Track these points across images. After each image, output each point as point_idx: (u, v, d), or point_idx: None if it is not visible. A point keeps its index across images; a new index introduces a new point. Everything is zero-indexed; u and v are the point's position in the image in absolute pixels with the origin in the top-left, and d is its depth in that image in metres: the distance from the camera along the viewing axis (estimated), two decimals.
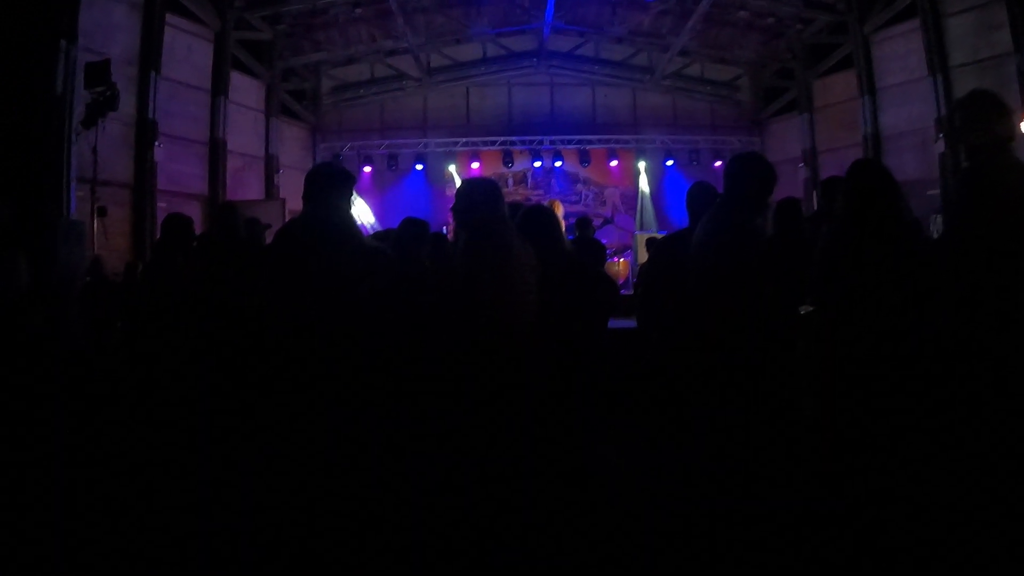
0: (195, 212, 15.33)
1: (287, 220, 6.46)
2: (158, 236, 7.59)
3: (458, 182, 19.67)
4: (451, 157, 20.96)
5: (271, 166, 18.51)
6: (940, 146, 14.54)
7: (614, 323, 6.35)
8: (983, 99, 4.03)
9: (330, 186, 4.41)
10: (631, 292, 13.46)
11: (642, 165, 21.24)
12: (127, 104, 13.05)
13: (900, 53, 16.24)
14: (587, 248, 7.73)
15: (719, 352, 4.17)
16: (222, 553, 3.98)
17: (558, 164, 21.22)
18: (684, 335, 4.53)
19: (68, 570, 3.90)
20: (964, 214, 3.98)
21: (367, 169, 20.50)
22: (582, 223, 9.04)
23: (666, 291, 4.79)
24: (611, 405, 5.60)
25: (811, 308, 4.78)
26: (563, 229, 5.27)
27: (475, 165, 20.79)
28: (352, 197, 4.61)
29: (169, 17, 14.80)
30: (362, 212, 18.34)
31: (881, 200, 4.13)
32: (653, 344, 5.40)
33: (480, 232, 4.21)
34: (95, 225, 12.07)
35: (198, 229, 7.06)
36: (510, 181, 21.38)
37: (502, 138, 21.09)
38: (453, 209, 4.52)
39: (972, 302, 3.75)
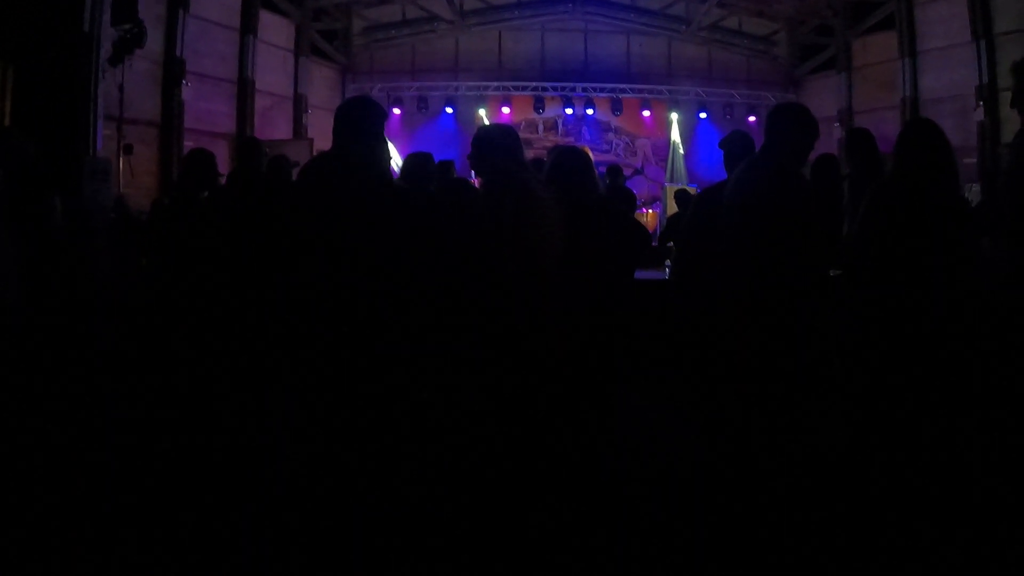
0: (222, 151, 15.29)
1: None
2: (180, 173, 7.62)
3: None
4: (482, 101, 20.72)
5: (300, 106, 18.37)
6: (979, 114, 14.23)
7: (641, 274, 6.29)
8: None
9: (361, 120, 4.29)
10: (657, 244, 13.37)
11: (675, 117, 20.95)
12: (155, 42, 12.98)
13: (943, 16, 15.79)
14: (618, 196, 7.64)
15: (757, 311, 4.08)
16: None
17: (590, 112, 20.97)
18: (723, 289, 4.41)
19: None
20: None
21: (396, 111, 20.29)
22: (613, 171, 8.96)
23: (708, 243, 4.64)
24: (640, 356, 5.55)
25: (839, 272, 4.71)
26: (596, 173, 5.17)
27: (505, 110, 20.56)
28: (382, 132, 4.49)
29: None
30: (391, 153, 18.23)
31: (938, 169, 4.06)
32: (691, 297, 5.27)
33: (498, 176, 4.17)
34: (121, 163, 12.08)
35: (225, 168, 7.07)
36: (540, 127, 21.19)
37: (534, 83, 20.80)
38: (470, 156, 4.46)
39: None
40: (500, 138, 4.44)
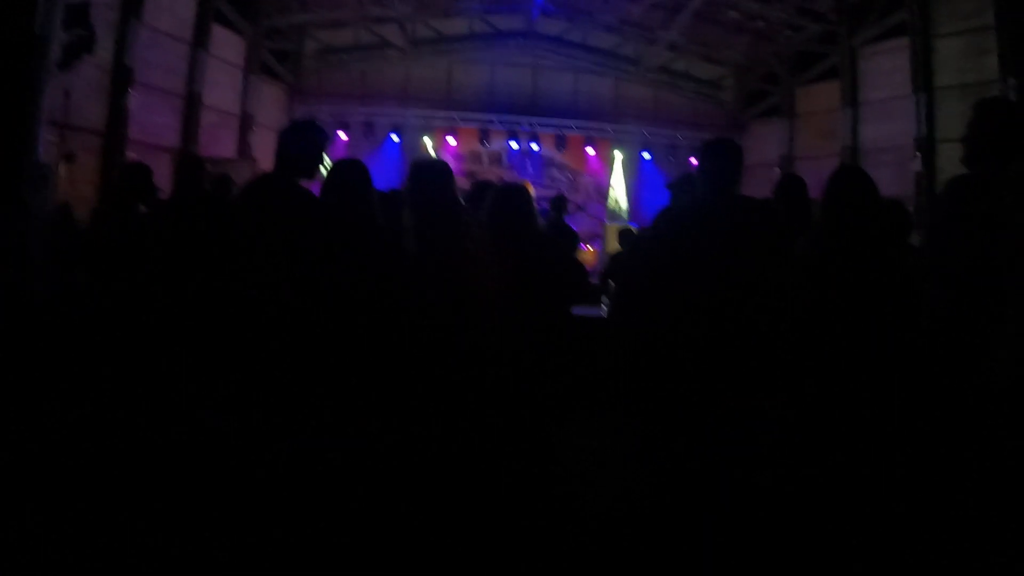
0: (165, 165, 15.01)
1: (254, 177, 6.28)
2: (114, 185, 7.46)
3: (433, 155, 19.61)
4: (428, 130, 20.81)
5: (246, 124, 18.16)
6: (917, 164, 14.63)
7: (579, 311, 6.30)
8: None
9: (305, 145, 4.35)
10: (599, 281, 13.43)
11: (619, 155, 21.21)
12: (105, 49, 12.76)
13: (886, 69, 16.26)
14: (560, 232, 7.68)
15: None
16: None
17: (535, 147, 21.08)
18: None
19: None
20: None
21: (343, 135, 20.23)
22: (557, 203, 8.93)
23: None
24: (576, 392, 5.55)
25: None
26: (535, 210, 5.19)
27: (451, 140, 20.64)
28: (323, 157, 4.50)
29: None
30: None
31: (861, 211, 4.14)
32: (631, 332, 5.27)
33: (431, 208, 4.18)
34: (62, 170, 11.80)
35: (166, 182, 6.96)
36: (485, 159, 21.28)
37: (481, 115, 20.93)
38: (404, 188, 4.47)
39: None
40: (435, 171, 4.47)
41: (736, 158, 4.37)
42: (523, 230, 4.59)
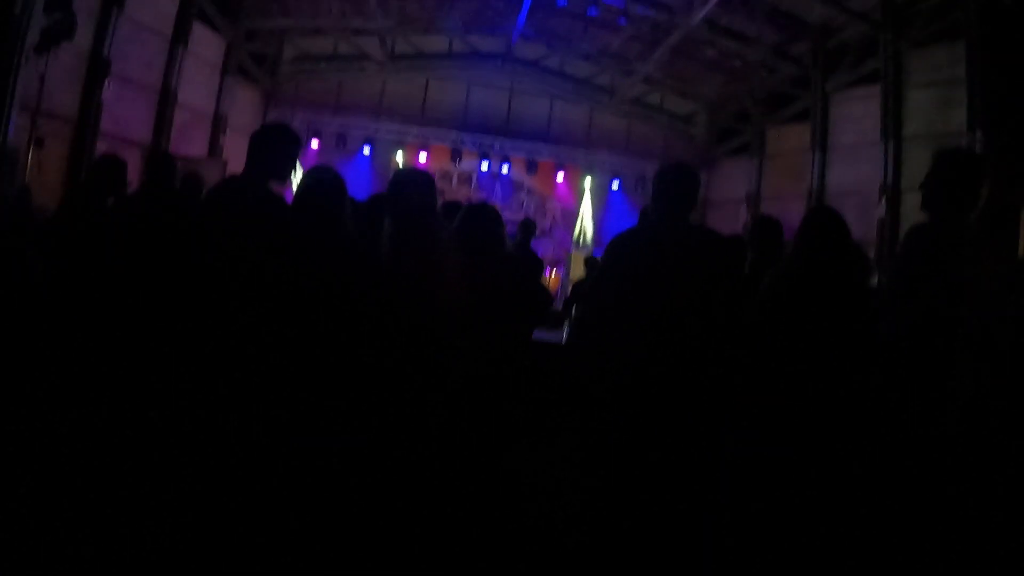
0: (135, 159, 14.82)
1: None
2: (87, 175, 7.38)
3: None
4: (400, 146, 20.84)
5: (219, 125, 18.03)
6: (881, 210, 14.86)
7: (539, 335, 6.33)
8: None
9: (276, 149, 4.38)
10: (562, 307, 13.50)
11: (588, 183, 21.35)
12: (84, 37, 12.63)
13: (856, 115, 16.51)
14: (526, 256, 7.72)
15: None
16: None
17: (505, 170, 21.18)
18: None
19: None
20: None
21: (315, 144, 20.23)
22: (525, 226, 8.93)
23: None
24: (536, 415, 5.58)
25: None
26: (503, 233, 5.23)
27: (423, 157, 20.61)
28: (295, 164, 4.52)
29: None
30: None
31: (834, 249, 4.22)
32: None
33: (406, 220, 4.22)
34: (30, 156, 11.65)
35: (135, 177, 6.89)
36: (455, 179, 21.30)
37: (454, 134, 21.02)
38: (386, 196, 4.48)
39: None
40: (417, 183, 4.51)
41: (690, 185, 4.43)
42: (490, 248, 4.64)
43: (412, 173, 4.79)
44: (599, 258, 13.37)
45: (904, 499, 3.69)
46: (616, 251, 4.45)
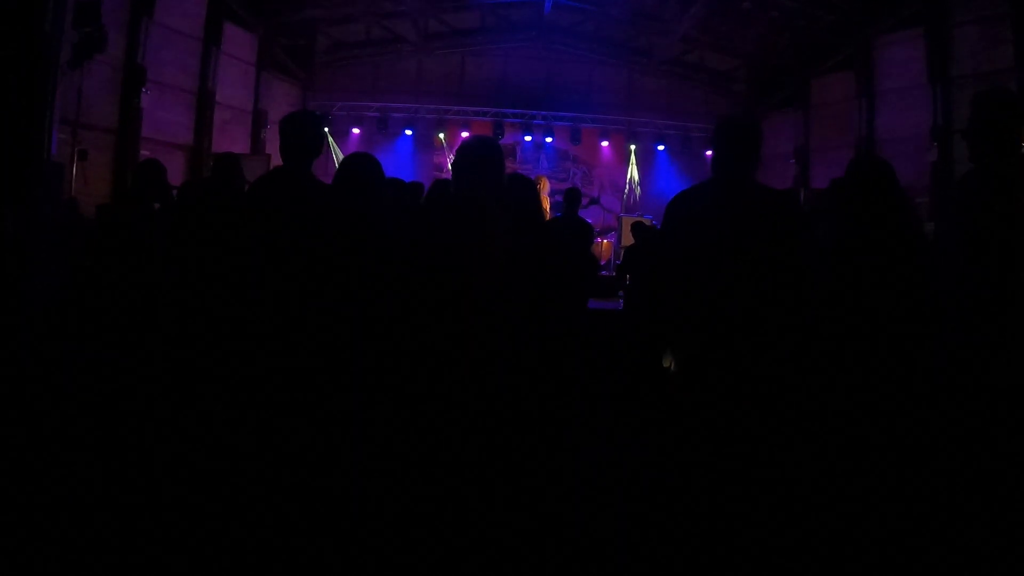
0: (179, 161, 15.13)
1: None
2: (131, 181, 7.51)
3: (447, 149, 19.61)
4: (442, 124, 20.79)
5: (259, 121, 18.20)
6: (933, 154, 14.49)
7: (595, 304, 6.23)
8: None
9: (301, 129, 4.51)
10: (613, 274, 13.42)
11: (633, 148, 21.12)
12: (116, 47, 12.81)
13: (901, 59, 16.10)
14: (574, 226, 7.61)
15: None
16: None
17: (548, 140, 21.09)
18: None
19: None
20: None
21: (356, 130, 20.34)
22: (570, 196, 8.78)
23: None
24: (594, 390, 5.51)
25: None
26: (541, 203, 5.17)
27: (465, 134, 20.54)
28: (323, 135, 4.64)
29: None
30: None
31: (882, 197, 4.07)
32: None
33: (459, 191, 4.19)
34: (75, 169, 11.87)
35: (178, 180, 6.99)
36: None
37: (494, 109, 20.92)
38: (452, 166, 4.48)
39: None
40: (476, 152, 4.41)
41: (749, 138, 4.14)
42: (529, 219, 4.56)
43: (475, 142, 4.63)
44: (648, 221, 13.25)
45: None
46: (679, 211, 4.28)
